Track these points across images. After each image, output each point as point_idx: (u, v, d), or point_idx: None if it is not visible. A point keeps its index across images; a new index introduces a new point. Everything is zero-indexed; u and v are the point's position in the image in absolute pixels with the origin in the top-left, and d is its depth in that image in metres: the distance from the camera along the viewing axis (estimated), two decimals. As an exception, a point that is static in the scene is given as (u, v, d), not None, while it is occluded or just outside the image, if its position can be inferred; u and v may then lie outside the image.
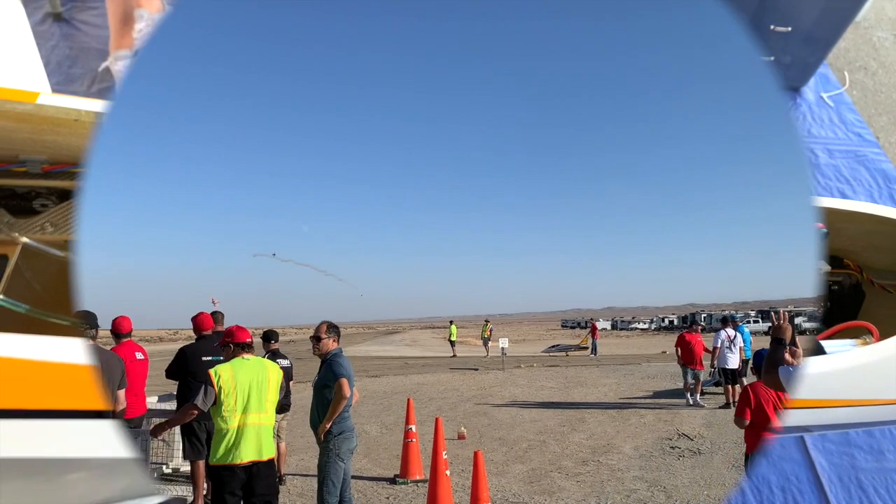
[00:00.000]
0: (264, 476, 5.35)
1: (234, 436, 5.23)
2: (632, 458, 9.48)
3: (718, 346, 14.21)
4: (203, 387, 5.32)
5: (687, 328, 15.09)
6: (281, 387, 5.71)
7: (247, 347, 5.61)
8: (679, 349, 14.42)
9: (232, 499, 5.23)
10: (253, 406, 5.31)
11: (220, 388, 5.27)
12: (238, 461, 5.22)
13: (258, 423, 5.33)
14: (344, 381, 5.62)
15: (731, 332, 14.28)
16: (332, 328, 6.31)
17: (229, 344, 5.64)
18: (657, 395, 16.20)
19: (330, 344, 5.97)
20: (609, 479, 8.30)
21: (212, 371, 5.37)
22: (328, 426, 5.60)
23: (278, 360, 7.72)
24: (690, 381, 14.17)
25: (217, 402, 5.27)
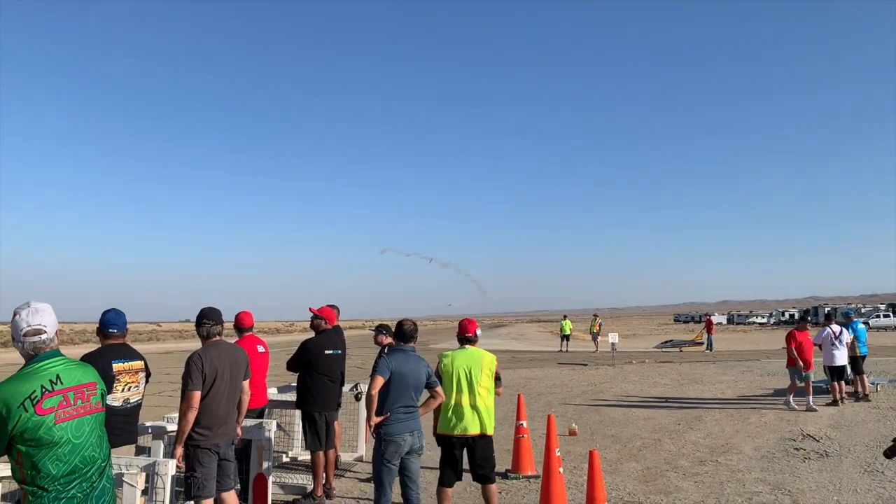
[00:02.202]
0: (480, 448, 6.16)
1: (450, 411, 6.10)
2: (752, 458, 9.11)
3: (822, 342, 13.92)
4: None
5: (797, 325, 14.01)
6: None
7: (469, 340, 6.42)
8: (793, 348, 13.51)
9: (449, 463, 6.16)
10: (465, 387, 6.11)
11: (442, 370, 6.17)
12: (454, 433, 6.06)
13: (470, 403, 6.12)
14: (374, 378, 5.66)
15: (835, 328, 13.91)
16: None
17: (458, 333, 6.51)
18: (778, 392, 15.56)
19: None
20: (729, 481, 8.00)
21: (440, 355, 6.29)
22: (372, 425, 5.66)
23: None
24: (799, 383, 13.36)
25: (441, 383, 6.10)
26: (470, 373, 6.14)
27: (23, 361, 3.33)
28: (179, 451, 5.30)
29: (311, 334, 7.92)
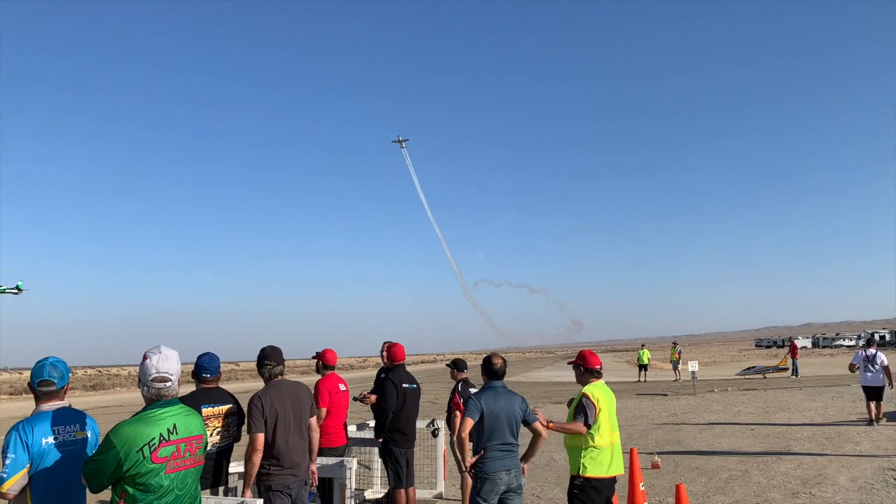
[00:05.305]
0: (611, 488, 5.82)
1: (604, 452, 5.73)
2: (849, 490, 8.69)
3: (857, 364, 14.92)
4: (583, 406, 5.76)
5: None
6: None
7: (600, 374, 6.09)
8: None
9: None
10: (615, 425, 5.85)
11: (599, 407, 5.81)
12: (610, 474, 5.73)
13: (616, 442, 5.85)
14: (465, 420, 5.48)
15: (870, 351, 14.77)
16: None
17: (580, 366, 6.08)
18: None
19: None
20: (825, 514, 7.65)
21: (588, 391, 5.86)
22: (468, 465, 5.49)
23: (469, 390, 7.86)
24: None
25: (596, 421, 5.79)
26: (613, 411, 5.93)
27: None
28: (248, 494, 5.33)
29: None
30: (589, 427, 5.68)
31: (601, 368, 6.03)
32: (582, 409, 5.72)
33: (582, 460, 5.70)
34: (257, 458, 5.29)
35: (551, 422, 5.73)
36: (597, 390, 5.85)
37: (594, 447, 5.70)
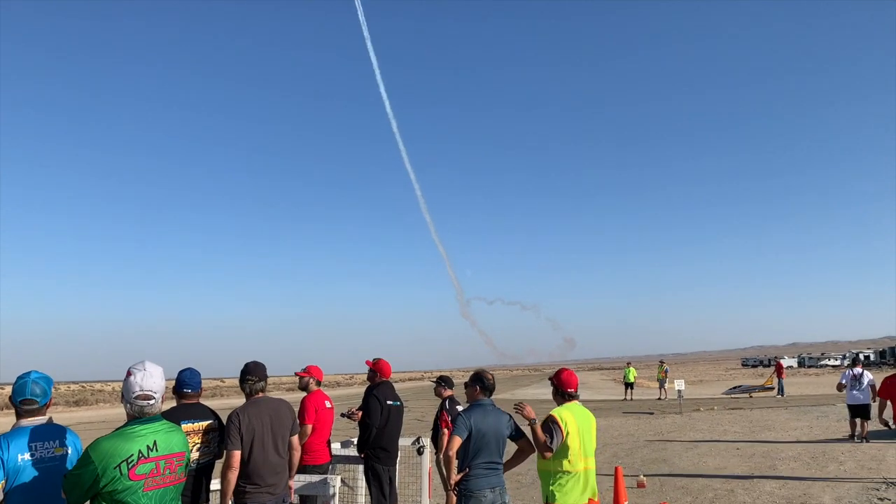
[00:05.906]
0: None
1: (574, 479, 5.45)
2: (833, 510, 8.71)
3: (844, 383, 15.58)
4: (549, 429, 5.50)
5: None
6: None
7: (574, 396, 5.83)
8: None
9: None
10: (588, 451, 5.57)
11: (567, 431, 5.47)
12: (581, 502, 5.45)
13: (591, 468, 5.57)
14: (452, 438, 5.39)
15: (857, 370, 15.45)
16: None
17: (557, 387, 5.87)
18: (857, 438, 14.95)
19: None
20: (809, 534, 7.66)
21: (556, 413, 5.60)
22: (453, 483, 5.41)
23: (456, 407, 7.85)
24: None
25: (563, 445, 5.50)
26: (587, 435, 5.62)
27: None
28: None
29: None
30: (552, 452, 5.46)
31: (574, 391, 5.79)
32: (548, 432, 5.48)
33: (551, 487, 5.48)
34: (233, 476, 5.21)
35: (535, 421, 5.52)
36: (566, 413, 5.59)
37: (563, 473, 5.45)
